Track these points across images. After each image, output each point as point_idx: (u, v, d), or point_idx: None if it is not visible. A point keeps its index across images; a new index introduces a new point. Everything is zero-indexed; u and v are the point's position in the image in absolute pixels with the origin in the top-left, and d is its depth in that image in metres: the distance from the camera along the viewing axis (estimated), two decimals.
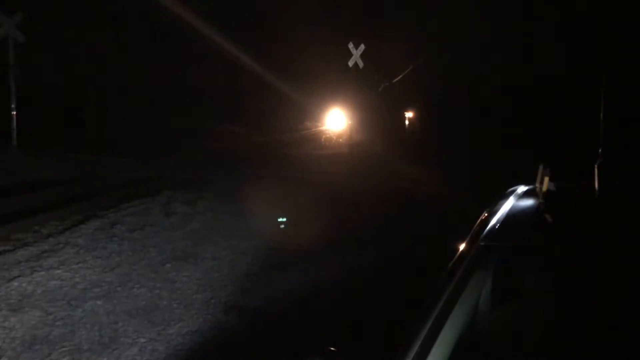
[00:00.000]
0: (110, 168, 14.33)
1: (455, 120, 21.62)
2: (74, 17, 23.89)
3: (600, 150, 2.16)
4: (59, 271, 5.54)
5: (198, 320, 4.63)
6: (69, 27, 23.31)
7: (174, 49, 26.19)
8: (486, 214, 2.06)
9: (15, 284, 5.16)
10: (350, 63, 19.53)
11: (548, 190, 2.00)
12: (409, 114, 23.85)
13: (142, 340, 4.21)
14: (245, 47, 30.14)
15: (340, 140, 24.48)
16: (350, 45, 19.45)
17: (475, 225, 1.98)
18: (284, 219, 8.36)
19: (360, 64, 19.60)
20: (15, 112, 15.37)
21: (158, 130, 26.30)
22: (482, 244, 1.72)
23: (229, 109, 31.79)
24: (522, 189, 2.32)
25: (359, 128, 22.86)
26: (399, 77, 23.73)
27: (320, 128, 27.97)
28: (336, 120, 25.88)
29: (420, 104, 23.47)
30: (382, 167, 16.76)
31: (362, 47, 19.45)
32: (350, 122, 21.67)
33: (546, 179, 1.99)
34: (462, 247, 1.84)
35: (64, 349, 4.04)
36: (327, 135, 26.15)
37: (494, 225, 1.84)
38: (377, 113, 24.51)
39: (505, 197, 2.20)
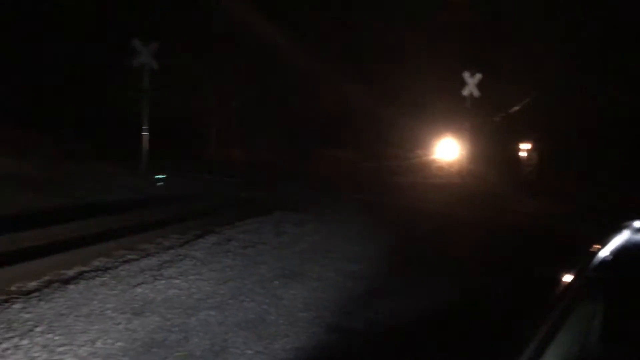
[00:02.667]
0: (227, 187, 15.09)
1: (575, 152, 20.58)
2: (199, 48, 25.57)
3: None
4: (178, 281, 5.93)
5: (302, 337, 4.76)
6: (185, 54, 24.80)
7: (286, 75, 27.16)
8: (597, 246, 2.00)
9: (139, 290, 5.59)
10: (465, 92, 19.25)
11: None
12: (525, 145, 22.96)
13: (249, 352, 4.40)
14: (358, 73, 30.65)
15: (452, 169, 24.04)
16: (466, 75, 19.20)
17: (584, 257, 1.93)
18: (390, 245, 8.39)
19: (476, 94, 19.25)
20: (146, 134, 16.60)
21: (274, 154, 27.33)
22: (591, 275, 1.68)
23: (340, 134, 32.32)
24: (638, 223, 2.23)
25: (473, 158, 22.34)
26: (517, 107, 23.01)
27: (432, 157, 27.68)
28: (448, 149, 25.50)
29: (539, 135, 22.54)
30: (495, 199, 16.26)
31: (478, 76, 19.13)
32: (463, 152, 21.25)
33: None
34: (567, 278, 1.80)
35: (178, 353, 4.31)
36: (439, 164, 25.79)
37: (605, 257, 1.79)
38: (492, 143, 23.87)
39: (619, 230, 2.12)
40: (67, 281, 5.77)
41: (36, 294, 5.31)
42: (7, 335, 4.30)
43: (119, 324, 4.72)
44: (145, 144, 16.51)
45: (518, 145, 23.36)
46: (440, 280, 6.67)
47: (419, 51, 26.76)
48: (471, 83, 19.11)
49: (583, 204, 14.77)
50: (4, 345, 4.13)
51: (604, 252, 1.85)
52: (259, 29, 24.02)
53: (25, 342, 4.22)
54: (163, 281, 5.88)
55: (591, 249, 1.98)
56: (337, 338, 4.84)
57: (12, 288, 5.62)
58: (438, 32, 25.59)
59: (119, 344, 4.35)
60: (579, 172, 19.98)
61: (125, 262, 6.60)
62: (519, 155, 23.19)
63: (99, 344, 4.31)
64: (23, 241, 7.32)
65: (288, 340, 4.66)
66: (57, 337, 4.35)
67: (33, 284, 5.73)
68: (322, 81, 28.53)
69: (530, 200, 16.59)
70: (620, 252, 1.84)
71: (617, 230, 2.14)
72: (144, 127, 16.49)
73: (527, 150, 22.77)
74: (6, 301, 5.10)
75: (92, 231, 8.33)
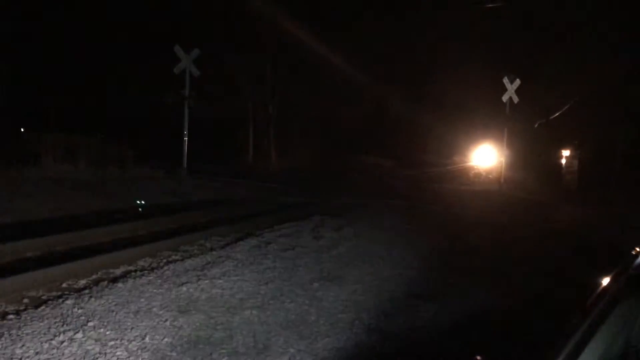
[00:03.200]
0: (267, 192, 15.30)
1: (615, 160, 20.22)
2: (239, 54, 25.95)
3: None
4: (221, 281, 6.10)
5: (342, 338, 4.85)
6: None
7: (329, 82, 27.31)
8: (638, 249, 2.04)
9: (184, 289, 5.77)
10: (505, 98, 19.09)
11: None
12: (565, 152, 22.58)
13: (292, 350, 4.50)
14: (397, 80, 30.60)
15: (490, 176, 23.78)
16: (505, 80, 19.04)
17: (627, 259, 1.97)
18: (427, 250, 8.41)
19: (515, 99, 19.08)
20: (186, 139, 16.90)
21: (314, 161, 27.52)
22: (633, 273, 1.73)
23: (379, 141, 32.34)
24: None
25: (511, 164, 22.07)
26: (556, 114, 22.65)
27: (469, 163, 27.40)
28: (486, 156, 25.22)
29: (579, 142, 22.14)
30: (533, 206, 16.07)
31: (517, 82, 18.95)
32: (501, 158, 21.02)
33: None
34: (607, 279, 1.85)
35: (223, 350, 4.44)
36: (476, 171, 25.53)
37: None
38: (531, 150, 23.55)
39: None
40: (115, 279, 6.01)
41: (87, 291, 5.55)
42: (62, 329, 4.52)
43: (165, 320, 4.90)
44: (185, 148, 16.83)
45: (558, 152, 22.98)
46: (480, 288, 6.66)
47: (459, 57, 26.56)
48: (510, 89, 18.92)
49: (621, 213, 14.48)
50: (60, 338, 4.34)
51: None
52: (298, 35, 24.25)
53: (79, 335, 4.42)
54: (207, 281, 6.06)
55: (633, 252, 2.02)
56: (377, 339, 4.91)
57: (64, 285, 5.88)
58: (478, 38, 25.37)
59: (166, 339, 4.52)
60: (619, 180, 19.60)
61: (169, 262, 6.82)
62: (559, 163, 22.81)
63: (147, 339, 4.49)
64: (70, 242, 7.64)
65: (329, 341, 4.75)
66: (108, 332, 4.54)
67: (83, 282, 5.98)
68: (362, 87, 28.63)
69: (570, 208, 16.33)
70: None
71: None
72: (184, 132, 16.79)
73: (567, 158, 22.38)
74: (59, 297, 5.34)
75: (137, 232, 8.62)
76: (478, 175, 25.04)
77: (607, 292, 1.70)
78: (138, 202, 11.95)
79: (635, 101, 19.18)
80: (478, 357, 1.81)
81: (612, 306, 1.62)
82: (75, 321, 4.71)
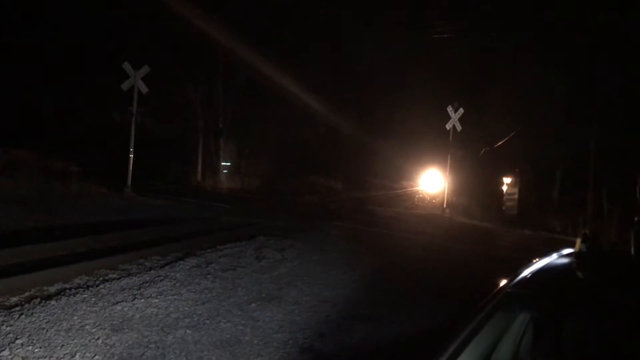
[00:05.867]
0: (214, 212, 15.24)
1: (552, 186, 21.17)
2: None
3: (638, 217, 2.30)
4: (157, 300, 6.09)
5: (275, 357, 4.94)
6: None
7: (281, 105, 27.51)
8: (522, 269, 2.25)
9: (118, 307, 5.75)
10: (448, 126, 19.72)
11: (580, 251, 2.17)
12: (507, 179, 23.44)
13: None
14: (348, 104, 31.12)
15: (434, 201, 24.39)
16: (449, 109, 19.69)
17: (512, 275, 2.18)
18: (367, 272, 8.60)
19: (459, 127, 19.73)
20: (132, 156, 16.73)
21: (262, 180, 27.52)
22: (508, 290, 1.93)
23: (330, 163, 32.67)
24: (565, 250, 2.49)
25: (455, 190, 22.73)
26: (500, 143, 23.51)
27: (416, 188, 27.98)
28: (432, 181, 25.88)
29: (520, 169, 23.03)
30: (477, 232, 16.58)
31: (460, 110, 19.63)
32: (446, 184, 21.64)
33: (578, 241, 2.17)
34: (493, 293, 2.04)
35: None
36: (421, 195, 26.13)
37: (523, 275, 2.04)
38: (475, 176, 24.30)
39: (549, 254, 2.38)
40: (48, 297, 5.92)
41: (17, 308, 5.45)
42: None
43: (98, 339, 4.88)
44: (130, 166, 16.67)
45: (500, 179, 23.83)
46: (416, 309, 6.88)
47: (407, 85, 27.33)
48: (454, 117, 19.57)
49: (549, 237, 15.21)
50: None
51: (524, 272, 2.10)
52: (248, 57, 24.45)
53: (5, 353, 4.36)
54: (142, 300, 6.04)
55: (519, 270, 2.23)
56: (309, 359, 5.02)
57: None
58: (426, 68, 26.19)
59: (97, 357, 4.51)
60: (556, 205, 20.50)
61: (106, 280, 6.75)
62: (500, 189, 23.64)
63: (77, 357, 4.46)
64: (5, 259, 7.46)
65: None
66: (37, 350, 4.50)
67: (15, 299, 5.87)
68: (314, 111, 28.95)
69: (508, 232, 16.94)
70: (538, 273, 2.09)
71: (547, 254, 2.40)
72: (130, 150, 16.64)
73: (508, 184, 23.23)
74: None
75: (76, 250, 8.47)
76: (422, 199, 25.63)
77: (486, 305, 1.88)
78: (79, 218, 11.73)
79: (571, 134, 20.20)
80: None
81: (487, 318, 1.80)
82: (2, 339, 4.63)
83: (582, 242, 2.16)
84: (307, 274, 8.25)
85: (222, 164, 28.30)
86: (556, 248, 2.56)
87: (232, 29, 23.09)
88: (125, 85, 16.41)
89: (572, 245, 2.71)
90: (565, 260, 2.29)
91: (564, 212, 19.75)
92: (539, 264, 2.19)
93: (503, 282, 2.03)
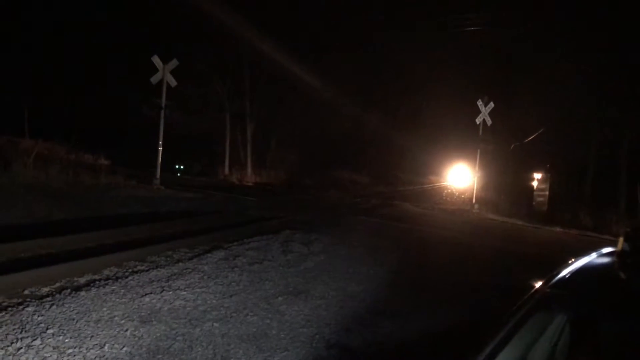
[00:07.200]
0: (240, 205, 15.31)
1: (584, 182, 20.76)
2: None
3: None
4: (184, 293, 6.13)
5: (302, 352, 4.91)
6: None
7: (307, 99, 27.50)
8: (561, 269, 2.17)
9: (147, 299, 5.79)
10: (478, 120, 19.44)
11: (623, 250, 2.08)
12: (537, 175, 23.05)
13: None
14: (374, 99, 30.92)
15: (463, 196, 24.11)
16: (480, 103, 19.40)
17: (549, 275, 2.10)
18: (394, 268, 8.53)
19: (489, 121, 19.44)
20: (161, 149, 16.87)
21: (289, 174, 27.58)
22: (546, 290, 1.86)
23: (356, 158, 32.55)
24: (606, 249, 2.40)
25: (484, 185, 22.44)
26: (531, 137, 23.15)
27: (444, 183, 27.71)
28: (460, 176, 25.58)
29: (550, 164, 22.63)
30: (506, 229, 16.34)
31: (491, 104, 19.33)
32: (475, 179, 21.37)
33: (620, 239, 2.08)
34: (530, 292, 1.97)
35: None
36: (450, 191, 25.86)
37: (562, 275, 1.96)
38: (505, 171, 23.97)
39: (589, 254, 2.29)
40: (78, 288, 5.99)
41: (49, 299, 5.53)
42: (20, 336, 4.51)
43: (126, 330, 4.92)
44: (159, 158, 16.80)
45: (530, 174, 23.45)
46: (442, 306, 6.80)
47: (435, 80, 27.04)
48: (484, 111, 19.29)
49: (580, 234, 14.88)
50: (17, 345, 4.34)
51: (563, 272, 2.02)
52: (277, 54, 24.46)
53: (37, 342, 4.42)
54: (170, 292, 6.08)
55: (556, 270, 2.16)
56: (336, 354, 4.99)
57: (26, 292, 5.85)
58: (454, 62, 25.86)
59: (126, 349, 4.54)
60: (588, 202, 20.09)
61: (135, 272, 6.82)
62: (530, 185, 23.27)
63: (106, 348, 4.51)
64: (36, 249, 7.60)
65: (287, 354, 4.81)
66: (67, 340, 4.55)
67: (46, 289, 5.96)
68: (340, 105, 28.87)
69: (538, 229, 16.65)
70: (578, 273, 2.01)
71: (587, 254, 2.31)
72: (159, 142, 16.77)
73: (539, 180, 22.85)
74: (20, 304, 5.32)
75: (104, 242, 8.58)
76: (451, 194, 25.36)
77: (523, 305, 1.82)
78: (108, 211, 11.89)
79: (607, 122, 19.79)
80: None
81: (525, 319, 1.74)
82: (35, 328, 4.70)
83: (625, 240, 2.07)
84: (334, 268, 8.22)
85: (248, 157, 28.43)
86: (591, 247, 2.48)
87: (258, 25, 23.11)
88: (154, 79, 16.53)
89: (607, 244, 2.62)
90: (605, 260, 2.21)
91: (596, 208, 19.35)
92: (578, 263, 2.11)
93: (540, 282, 1.97)
